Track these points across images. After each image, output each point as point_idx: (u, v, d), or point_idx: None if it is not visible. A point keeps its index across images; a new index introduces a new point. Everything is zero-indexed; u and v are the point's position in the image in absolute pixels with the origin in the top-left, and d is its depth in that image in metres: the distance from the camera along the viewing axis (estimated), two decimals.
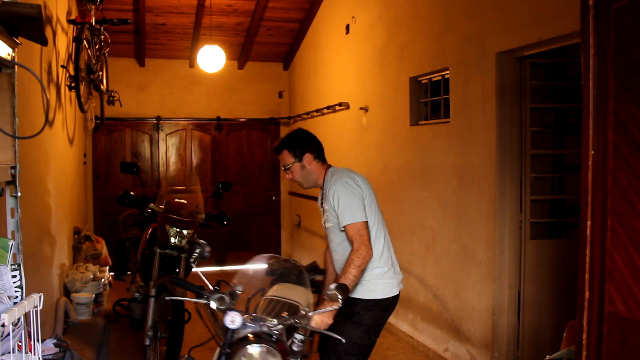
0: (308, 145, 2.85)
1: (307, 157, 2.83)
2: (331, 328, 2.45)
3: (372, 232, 2.72)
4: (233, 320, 2.07)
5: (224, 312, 2.09)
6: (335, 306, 2.30)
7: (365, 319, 2.69)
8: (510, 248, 3.67)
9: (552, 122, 3.91)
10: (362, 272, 2.63)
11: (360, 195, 2.70)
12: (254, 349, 2.07)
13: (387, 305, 2.76)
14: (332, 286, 2.31)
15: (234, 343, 2.12)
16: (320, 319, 2.42)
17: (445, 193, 4.21)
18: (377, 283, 2.73)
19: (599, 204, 1.28)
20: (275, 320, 2.14)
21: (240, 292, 2.20)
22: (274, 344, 2.11)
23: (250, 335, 2.12)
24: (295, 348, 2.20)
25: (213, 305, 2.11)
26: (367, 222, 2.67)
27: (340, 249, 2.79)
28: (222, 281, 2.31)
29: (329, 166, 2.94)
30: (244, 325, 2.09)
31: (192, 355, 2.35)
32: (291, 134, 2.90)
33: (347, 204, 2.65)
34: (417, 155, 4.62)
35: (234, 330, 2.10)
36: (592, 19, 1.28)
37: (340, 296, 2.26)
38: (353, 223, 2.63)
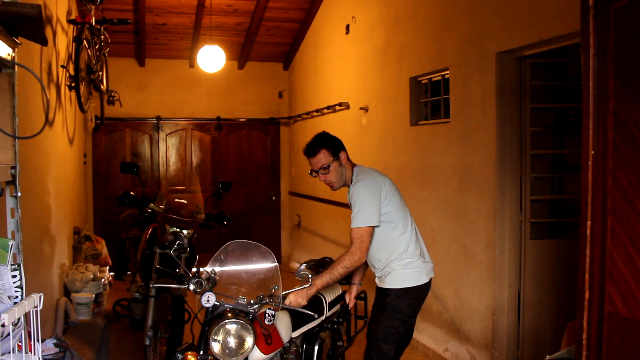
0: (340, 143, 2.99)
1: (343, 155, 2.95)
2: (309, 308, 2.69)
3: (395, 230, 2.83)
4: (208, 299, 2.30)
5: (201, 294, 2.33)
6: (306, 285, 2.62)
7: (398, 307, 2.80)
8: (510, 248, 3.67)
9: (552, 122, 3.91)
10: (348, 272, 2.81)
11: (377, 199, 2.76)
12: (229, 325, 2.28)
13: (417, 293, 2.86)
14: (303, 266, 2.75)
15: (213, 322, 2.33)
16: (294, 299, 2.65)
17: (445, 193, 4.21)
18: (405, 273, 2.83)
19: (599, 204, 1.28)
20: (244, 298, 2.36)
21: (215, 277, 2.43)
22: (249, 321, 2.31)
23: (230, 314, 2.33)
24: (267, 322, 2.41)
25: (191, 287, 2.35)
26: (374, 227, 2.76)
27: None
28: (200, 268, 2.51)
29: (354, 165, 3.03)
30: (221, 304, 2.33)
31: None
32: (322, 135, 3.01)
33: (361, 207, 2.74)
34: (417, 155, 4.62)
35: (212, 310, 2.34)
36: (592, 19, 1.28)
37: (310, 276, 2.65)
38: (359, 227, 2.74)
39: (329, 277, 2.74)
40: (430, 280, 2.95)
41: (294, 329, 2.72)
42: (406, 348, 2.90)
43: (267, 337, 2.42)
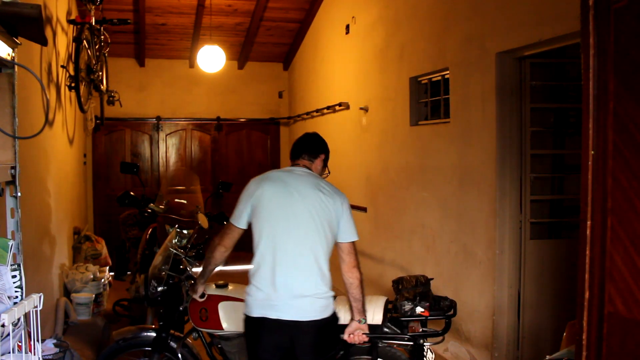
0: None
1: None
2: None
3: (256, 244, 2.52)
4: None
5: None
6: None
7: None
8: (510, 248, 3.67)
9: (552, 122, 3.91)
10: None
11: (246, 199, 2.56)
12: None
13: (245, 326, 2.56)
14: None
15: None
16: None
17: (445, 193, 4.21)
18: (245, 297, 2.55)
19: (599, 204, 1.28)
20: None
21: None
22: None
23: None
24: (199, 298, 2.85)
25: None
26: (235, 226, 2.59)
27: None
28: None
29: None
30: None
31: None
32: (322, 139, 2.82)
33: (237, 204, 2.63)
34: (417, 155, 4.62)
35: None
36: (592, 19, 1.28)
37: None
38: (226, 224, 2.71)
39: None
40: (276, 322, 2.43)
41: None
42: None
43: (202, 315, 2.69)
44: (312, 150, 2.71)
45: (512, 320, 3.69)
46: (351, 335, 2.60)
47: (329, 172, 2.85)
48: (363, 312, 2.60)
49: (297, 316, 2.44)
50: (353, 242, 2.59)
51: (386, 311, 2.77)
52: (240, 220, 2.58)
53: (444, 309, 2.77)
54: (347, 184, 6.01)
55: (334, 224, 2.53)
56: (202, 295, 2.85)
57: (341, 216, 2.54)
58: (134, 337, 3.04)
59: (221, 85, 7.83)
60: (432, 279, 2.90)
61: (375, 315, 2.73)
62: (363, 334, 2.60)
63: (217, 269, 2.76)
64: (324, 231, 2.50)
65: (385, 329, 2.75)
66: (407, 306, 2.73)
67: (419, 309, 2.72)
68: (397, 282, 2.86)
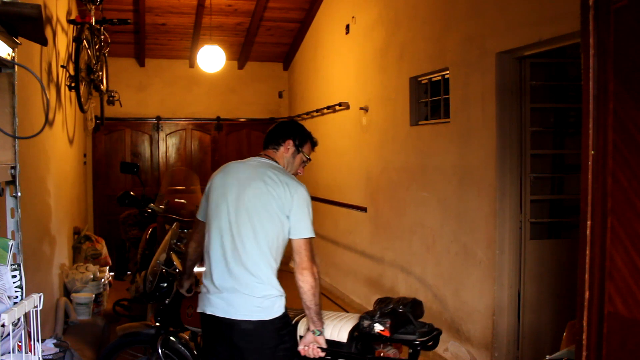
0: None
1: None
2: None
3: (207, 238, 2.42)
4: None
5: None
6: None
7: None
8: (510, 248, 3.67)
9: (552, 122, 3.91)
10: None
11: (205, 193, 2.51)
12: None
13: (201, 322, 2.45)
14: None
15: None
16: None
17: (445, 193, 4.21)
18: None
19: (599, 204, 1.28)
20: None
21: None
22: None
23: None
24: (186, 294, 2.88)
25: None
26: (200, 221, 2.56)
27: None
28: None
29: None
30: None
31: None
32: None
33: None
34: (417, 155, 4.62)
35: None
36: (592, 19, 1.28)
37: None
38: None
39: None
40: (214, 318, 2.31)
41: None
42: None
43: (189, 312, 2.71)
44: (275, 137, 2.52)
45: (512, 320, 3.69)
46: (305, 348, 2.34)
47: (309, 159, 2.57)
48: (318, 322, 2.31)
49: (230, 313, 2.26)
50: (306, 240, 2.29)
51: (356, 329, 2.41)
52: (200, 213, 2.56)
53: (416, 334, 2.33)
54: (347, 184, 6.01)
55: (280, 216, 2.28)
56: (190, 290, 2.83)
57: (290, 208, 2.28)
58: (135, 333, 3.05)
59: (221, 85, 7.83)
60: (421, 302, 2.52)
61: (341, 331, 2.41)
62: (318, 347, 2.33)
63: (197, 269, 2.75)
64: (261, 224, 2.27)
65: (352, 349, 2.38)
66: (366, 322, 2.35)
67: (377, 327, 2.32)
68: (380, 302, 2.49)
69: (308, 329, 2.34)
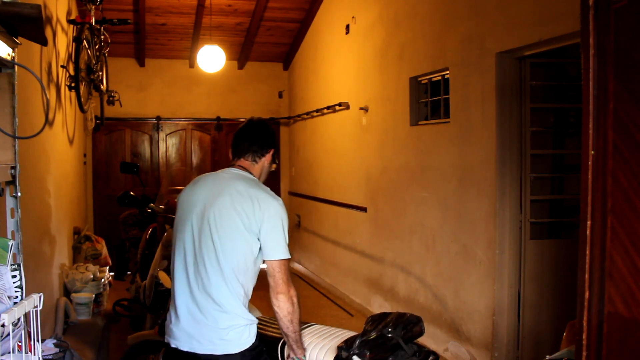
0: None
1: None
2: None
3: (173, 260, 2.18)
4: None
5: None
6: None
7: None
8: (510, 248, 3.67)
9: (552, 122, 3.91)
10: None
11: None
12: None
13: None
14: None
15: None
16: None
17: (445, 193, 4.21)
18: None
19: (599, 204, 1.28)
20: None
21: None
22: None
23: None
24: None
25: None
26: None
27: None
28: None
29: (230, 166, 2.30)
30: None
31: None
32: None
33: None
34: (417, 155, 4.62)
35: None
36: (592, 19, 1.28)
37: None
38: None
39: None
40: (178, 352, 2.08)
41: None
42: None
43: None
44: (259, 146, 2.22)
45: (512, 320, 3.69)
46: None
47: (276, 164, 2.37)
48: (298, 350, 2.10)
49: (193, 347, 2.03)
50: (280, 262, 2.03)
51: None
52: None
53: None
54: (347, 184, 6.01)
55: (246, 236, 2.03)
56: None
57: (260, 226, 2.03)
58: (142, 342, 2.99)
59: (221, 85, 7.83)
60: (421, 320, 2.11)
61: (326, 357, 2.15)
62: None
63: None
64: (223, 246, 2.03)
65: None
66: (344, 353, 1.94)
67: None
68: (372, 321, 2.08)
69: (288, 356, 2.13)
